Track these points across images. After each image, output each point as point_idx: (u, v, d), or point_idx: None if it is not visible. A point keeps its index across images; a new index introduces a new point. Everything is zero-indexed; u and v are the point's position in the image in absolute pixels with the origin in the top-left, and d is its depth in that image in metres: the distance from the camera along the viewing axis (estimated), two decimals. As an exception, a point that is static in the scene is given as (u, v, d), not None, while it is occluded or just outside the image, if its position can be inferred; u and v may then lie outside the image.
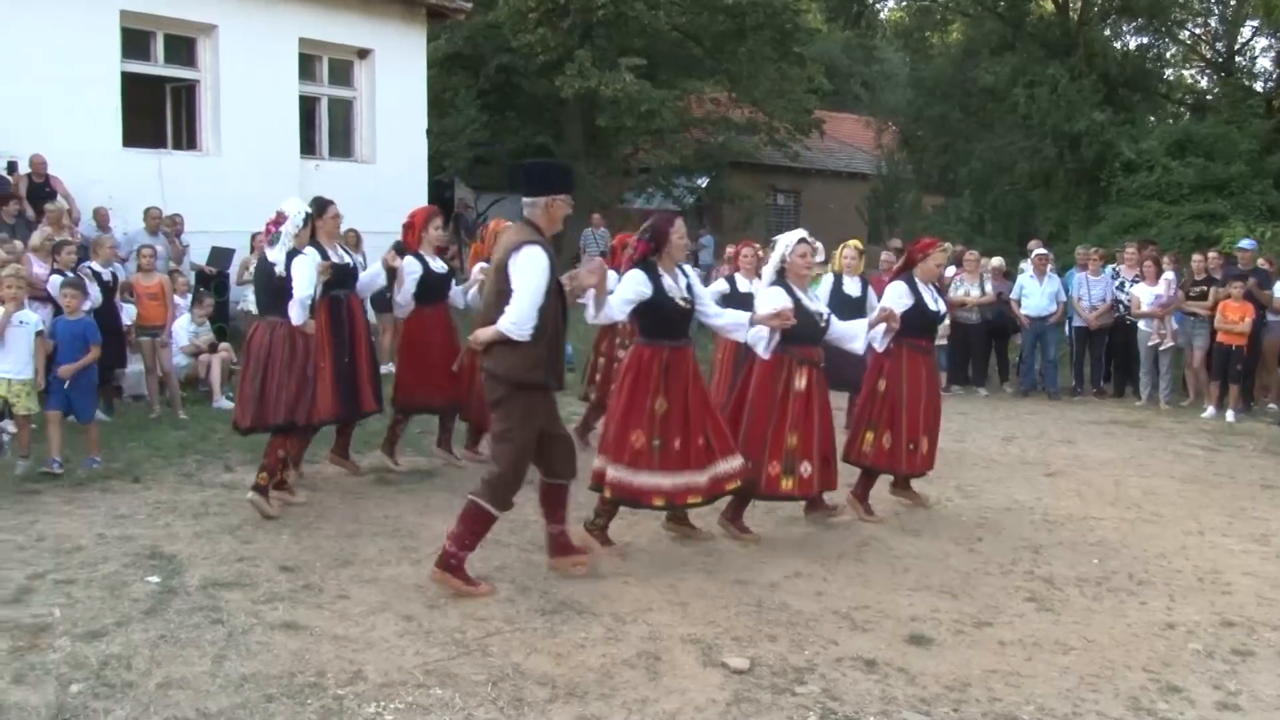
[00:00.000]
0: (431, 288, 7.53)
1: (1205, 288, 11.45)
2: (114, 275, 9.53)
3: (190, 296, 11.15)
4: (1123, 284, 12.32)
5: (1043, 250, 12.88)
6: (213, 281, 12.53)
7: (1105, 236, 16.50)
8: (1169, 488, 7.94)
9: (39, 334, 7.44)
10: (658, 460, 5.59)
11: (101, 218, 11.82)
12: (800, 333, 5.99)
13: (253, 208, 13.07)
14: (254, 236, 12.40)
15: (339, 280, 7.08)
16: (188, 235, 12.63)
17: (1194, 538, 6.59)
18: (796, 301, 6.03)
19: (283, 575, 5.30)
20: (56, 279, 8.84)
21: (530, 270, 4.92)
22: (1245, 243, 12.06)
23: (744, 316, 6.09)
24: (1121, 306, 12.24)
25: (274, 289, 6.46)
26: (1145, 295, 11.79)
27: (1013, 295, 12.54)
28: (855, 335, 6.42)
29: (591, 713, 3.93)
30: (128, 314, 9.92)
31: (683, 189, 25.10)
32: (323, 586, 5.16)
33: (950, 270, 12.30)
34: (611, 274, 7.72)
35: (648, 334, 5.72)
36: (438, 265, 7.63)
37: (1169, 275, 11.81)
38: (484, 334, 5.02)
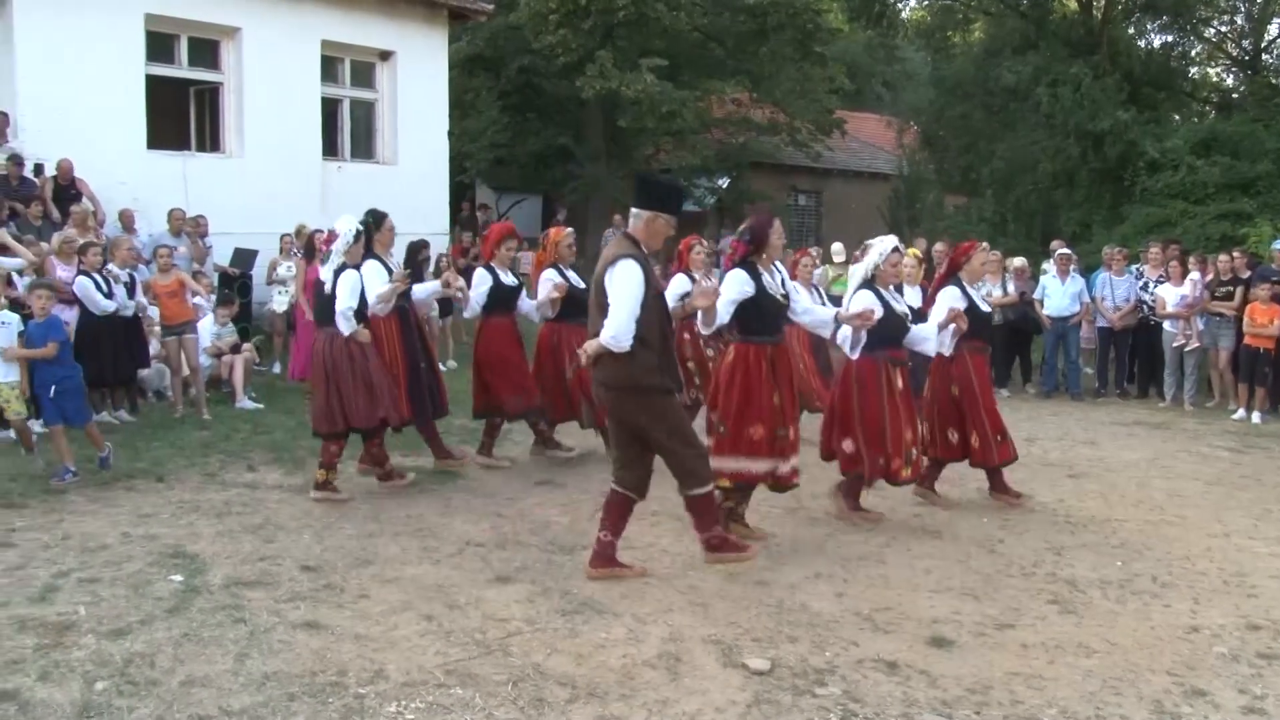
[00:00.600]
0: (501, 299, 7.84)
1: (1231, 288, 11.35)
2: (132, 277, 9.57)
3: (215, 298, 11.23)
4: (1147, 284, 12.23)
5: (1065, 250, 12.80)
6: (236, 282, 12.61)
7: (1129, 236, 16.36)
8: (1193, 489, 7.87)
9: (21, 335, 7.43)
10: (778, 448, 5.88)
11: (126, 219, 11.92)
12: (890, 334, 6.41)
13: (276, 209, 13.24)
14: (282, 238, 12.52)
15: (404, 291, 7.40)
16: (211, 237, 12.72)
17: (1219, 540, 6.53)
18: (886, 305, 6.36)
19: (304, 575, 5.33)
20: (83, 280, 8.94)
21: (625, 284, 5.06)
22: (1279, 244, 11.89)
23: (829, 313, 6.42)
24: (1145, 307, 12.15)
25: (326, 303, 6.86)
26: (1171, 296, 11.69)
27: (1035, 295, 12.47)
28: (928, 337, 6.71)
29: (612, 713, 3.94)
30: (151, 314, 10.01)
31: (703, 189, 25.04)
32: (344, 586, 5.18)
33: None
34: (682, 278, 8.00)
35: (749, 331, 5.92)
36: (508, 279, 7.93)
37: (1195, 275, 11.71)
38: (590, 346, 5.19)
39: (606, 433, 8.25)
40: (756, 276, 5.84)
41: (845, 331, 6.31)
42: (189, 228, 12.28)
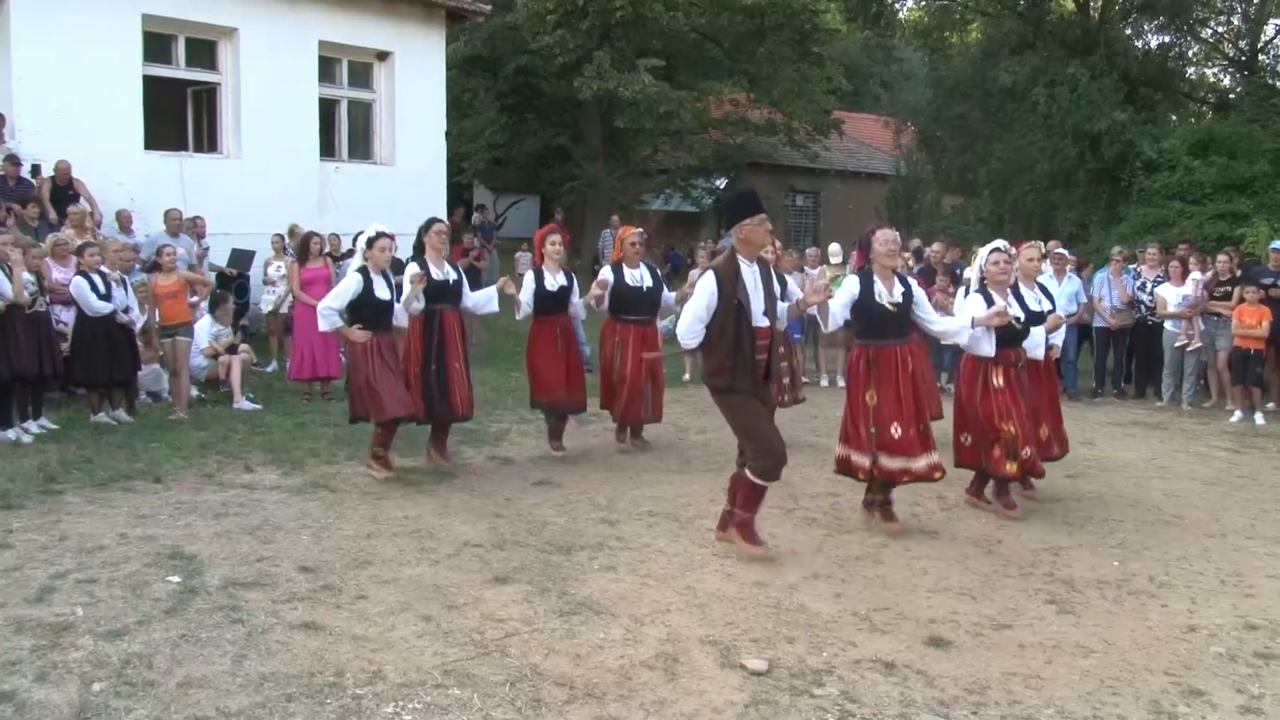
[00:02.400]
0: (543, 302, 8.13)
1: (1230, 288, 11.35)
2: (123, 279, 9.52)
3: (209, 299, 11.22)
4: (1144, 284, 12.24)
5: (1062, 250, 12.79)
6: (233, 283, 12.60)
7: (1126, 236, 16.39)
8: (1191, 490, 7.88)
9: None
10: (874, 444, 6.25)
11: (124, 220, 11.91)
12: (1001, 338, 6.64)
13: (273, 210, 13.24)
14: (273, 238, 12.51)
15: (437, 295, 7.60)
16: (208, 237, 12.72)
17: (1216, 540, 6.54)
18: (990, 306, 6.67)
19: (302, 575, 5.32)
20: (79, 280, 8.93)
21: (697, 292, 5.74)
22: (1278, 244, 11.86)
23: (959, 322, 6.66)
24: (1143, 307, 12.16)
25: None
26: (1172, 296, 11.70)
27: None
28: (1039, 344, 7.08)
29: (609, 714, 3.94)
30: (137, 315, 9.98)
31: (701, 190, 25.07)
32: (342, 587, 5.18)
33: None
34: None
35: (858, 334, 6.44)
36: (553, 283, 8.15)
37: (1196, 275, 11.71)
38: None
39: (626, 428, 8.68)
40: (867, 283, 6.27)
41: (977, 332, 6.55)
42: (187, 229, 12.26)
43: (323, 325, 7.38)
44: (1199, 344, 11.56)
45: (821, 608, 5.11)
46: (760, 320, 5.67)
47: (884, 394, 6.25)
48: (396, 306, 7.44)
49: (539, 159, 24.22)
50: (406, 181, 15.39)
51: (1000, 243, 6.91)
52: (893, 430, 6.23)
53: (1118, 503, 7.42)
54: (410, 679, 4.15)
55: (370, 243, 7.31)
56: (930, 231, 19.14)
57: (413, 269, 7.51)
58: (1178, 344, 11.67)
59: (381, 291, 7.33)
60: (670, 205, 25.84)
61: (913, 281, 6.60)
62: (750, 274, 5.69)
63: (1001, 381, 6.70)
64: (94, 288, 8.90)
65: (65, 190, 11.75)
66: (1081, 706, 4.13)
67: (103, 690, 3.96)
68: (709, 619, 4.90)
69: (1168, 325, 11.76)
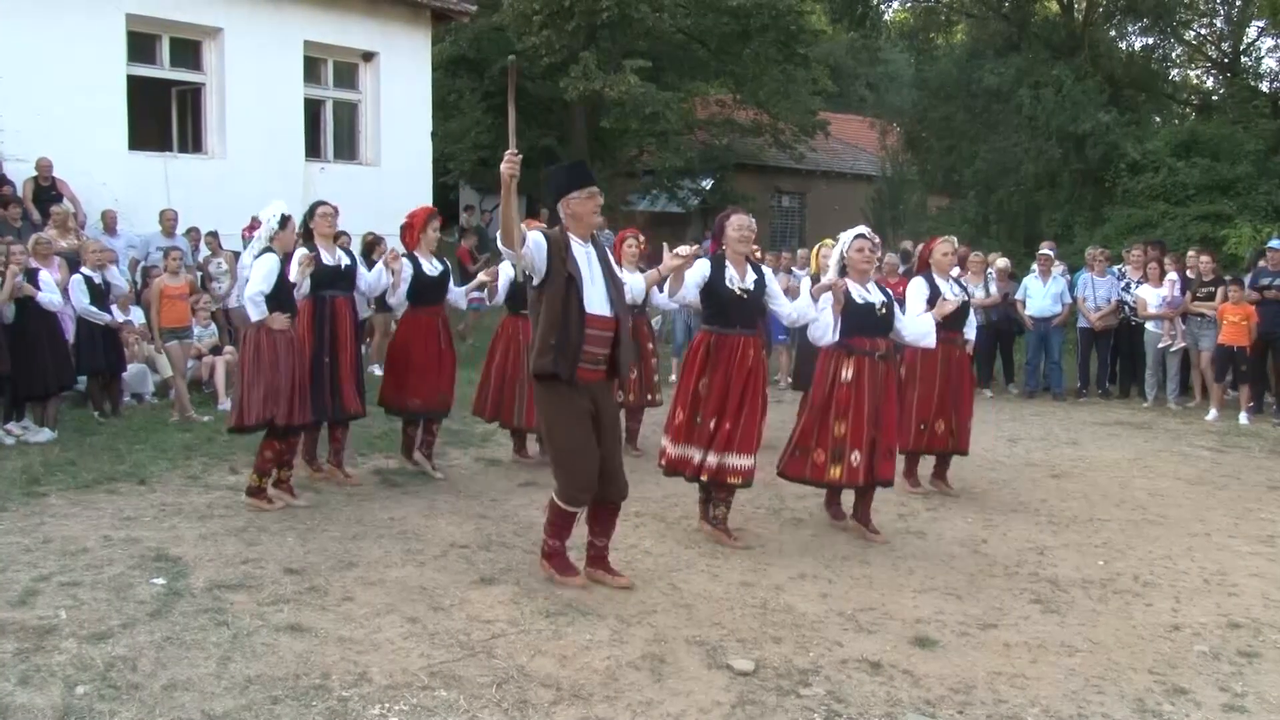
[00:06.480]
0: (423, 290, 7.45)
1: (1212, 289, 11.42)
2: (105, 280, 9.44)
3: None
4: (1128, 285, 12.31)
5: (1046, 251, 12.86)
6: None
7: (1111, 238, 16.48)
8: (1175, 489, 7.92)
9: None
10: (695, 435, 5.97)
11: (109, 220, 11.86)
12: (851, 325, 6.23)
13: (257, 210, 13.16)
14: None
15: (327, 281, 7.07)
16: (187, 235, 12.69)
17: (1200, 539, 6.58)
18: (848, 294, 6.23)
19: (288, 577, 5.30)
20: (77, 279, 8.92)
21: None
22: (1275, 243, 11.91)
23: (808, 305, 6.35)
24: (1127, 308, 12.22)
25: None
26: (1152, 297, 11.77)
27: (1017, 296, 12.52)
28: (926, 332, 6.62)
29: (596, 715, 3.93)
30: (136, 316, 9.93)
31: (687, 191, 25.06)
32: (328, 589, 5.16)
33: (954, 271, 12.31)
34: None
35: (705, 319, 6.20)
36: (431, 268, 7.51)
37: (1173, 276, 11.78)
38: None
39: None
40: (718, 268, 6.00)
41: (818, 325, 6.25)
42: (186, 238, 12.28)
43: (254, 314, 6.48)
44: (1181, 344, 11.63)
45: (808, 608, 5.12)
46: (599, 307, 5.07)
47: (714, 383, 5.93)
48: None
49: (525, 160, 24.08)
50: (392, 182, 15.35)
51: (864, 229, 6.51)
52: (710, 424, 5.90)
53: (1102, 502, 7.46)
54: (396, 681, 4.14)
55: (284, 222, 6.58)
56: (916, 233, 19.17)
57: (300, 252, 6.81)
58: (1160, 345, 11.74)
59: (290, 274, 6.67)
60: (656, 206, 25.84)
61: (767, 270, 6.29)
62: (584, 254, 5.10)
63: (850, 374, 6.19)
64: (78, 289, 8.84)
65: (48, 190, 11.70)
66: (1066, 705, 4.15)
67: (86, 693, 3.94)
68: (695, 619, 4.90)
69: (1149, 326, 11.83)
